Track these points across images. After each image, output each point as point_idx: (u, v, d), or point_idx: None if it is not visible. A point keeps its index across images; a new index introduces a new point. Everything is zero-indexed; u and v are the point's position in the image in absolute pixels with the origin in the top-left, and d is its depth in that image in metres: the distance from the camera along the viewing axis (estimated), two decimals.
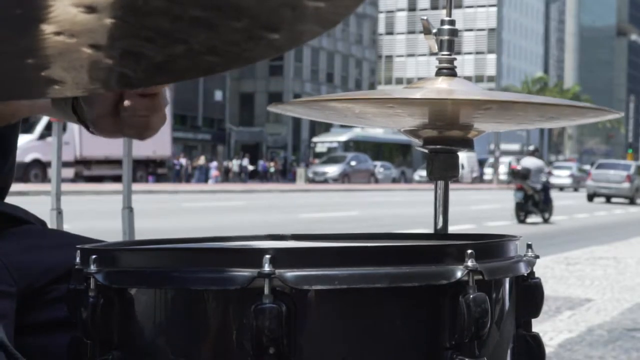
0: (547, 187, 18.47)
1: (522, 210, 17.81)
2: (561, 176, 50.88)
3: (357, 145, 54.49)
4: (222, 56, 0.71)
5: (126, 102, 1.31)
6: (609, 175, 32.71)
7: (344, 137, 54.62)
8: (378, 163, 52.88)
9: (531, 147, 20.02)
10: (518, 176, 18.22)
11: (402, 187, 44.31)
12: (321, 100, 1.30)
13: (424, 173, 54.82)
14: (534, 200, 17.92)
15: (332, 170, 47.49)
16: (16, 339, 1.21)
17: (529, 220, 17.96)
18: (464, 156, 50.59)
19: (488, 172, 61.93)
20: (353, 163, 48.61)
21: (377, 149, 57.00)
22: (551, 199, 18.53)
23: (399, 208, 21.33)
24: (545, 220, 18.27)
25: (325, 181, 46.53)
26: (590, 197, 32.83)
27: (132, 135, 1.35)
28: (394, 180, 53.41)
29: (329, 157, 51.02)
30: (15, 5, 0.62)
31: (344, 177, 47.12)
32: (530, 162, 18.52)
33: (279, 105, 1.37)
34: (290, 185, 39.75)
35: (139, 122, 1.33)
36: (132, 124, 1.33)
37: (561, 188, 48.29)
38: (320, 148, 55.05)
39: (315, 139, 57.57)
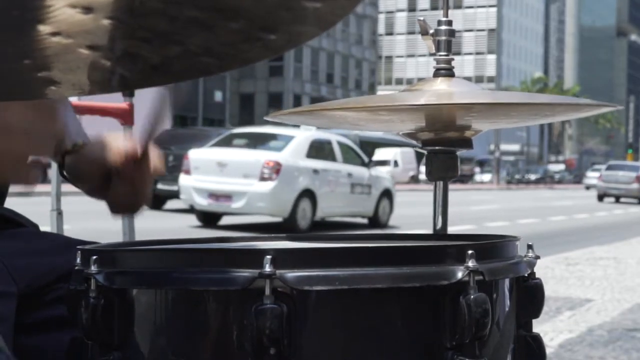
0: None
1: None
2: None
3: None
4: (219, 57, 0.71)
5: (115, 177, 1.30)
6: (618, 177, 33.04)
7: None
8: None
9: None
10: None
11: None
12: (317, 109, 1.30)
13: None
14: None
15: None
16: (15, 339, 1.21)
17: None
18: (397, 152, 46.03)
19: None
20: None
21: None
22: None
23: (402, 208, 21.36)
24: None
25: None
26: (601, 198, 33.32)
27: (124, 213, 1.37)
28: None
29: None
30: (12, 6, 0.62)
31: None
32: None
33: (277, 115, 1.38)
34: None
35: (128, 200, 1.33)
36: (123, 202, 1.33)
37: None
38: None
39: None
